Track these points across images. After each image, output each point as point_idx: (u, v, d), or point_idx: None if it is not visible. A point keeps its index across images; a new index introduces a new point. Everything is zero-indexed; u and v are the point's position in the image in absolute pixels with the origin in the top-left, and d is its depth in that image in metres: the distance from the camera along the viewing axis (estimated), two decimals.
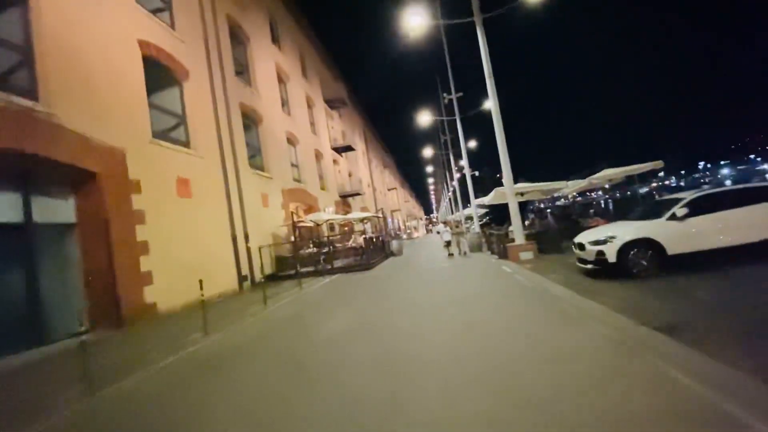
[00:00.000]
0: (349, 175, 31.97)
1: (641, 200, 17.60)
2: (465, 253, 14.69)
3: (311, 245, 17.50)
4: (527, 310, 5.56)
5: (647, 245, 6.44)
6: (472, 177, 23.13)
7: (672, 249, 6.34)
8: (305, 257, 15.32)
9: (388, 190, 59.49)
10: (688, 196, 6.62)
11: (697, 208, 6.36)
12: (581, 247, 7.32)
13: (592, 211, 13.28)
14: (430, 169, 52.84)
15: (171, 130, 11.55)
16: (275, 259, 14.87)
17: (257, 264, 13.67)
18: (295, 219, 15.61)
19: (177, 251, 9.96)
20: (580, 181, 14.52)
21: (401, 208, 68.98)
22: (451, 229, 15.62)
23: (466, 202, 33.82)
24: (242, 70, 16.12)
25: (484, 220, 36.93)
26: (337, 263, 15.90)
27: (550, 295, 6.29)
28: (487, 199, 17.05)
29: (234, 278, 12.28)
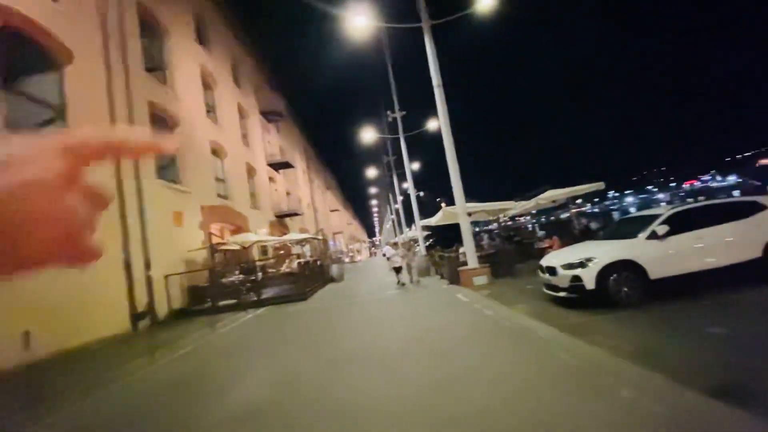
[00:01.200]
0: (287, 194, 29.70)
1: (566, 225, 17.82)
2: (418, 281, 12.11)
3: (237, 272, 15.07)
4: (512, 360, 4.15)
5: (627, 268, 5.49)
6: (416, 198, 22.28)
7: (654, 272, 5.44)
8: (228, 287, 12.90)
9: (331, 211, 57.48)
10: (664, 212, 5.85)
11: (676, 225, 5.57)
12: (551, 271, 6.24)
13: (543, 232, 12.74)
14: (373, 190, 52.02)
15: (44, 124, 8.93)
16: (188, 290, 12.27)
17: (162, 297, 11.06)
18: (216, 241, 13.19)
19: (36, 285, 7.28)
20: (526, 202, 14.07)
21: (344, 231, 67.07)
22: (402, 251, 12.95)
23: (410, 223, 33.11)
24: (156, 67, 13.73)
25: (429, 242, 36.48)
26: (269, 292, 13.66)
27: (530, 334, 5.00)
28: (433, 220, 16.07)
29: (125, 317, 9.60)
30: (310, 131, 46.72)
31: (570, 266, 5.84)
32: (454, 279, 10.88)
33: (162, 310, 11.00)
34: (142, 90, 12.11)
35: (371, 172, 34.21)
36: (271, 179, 25.96)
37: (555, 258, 6.46)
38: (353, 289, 13.32)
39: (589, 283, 5.54)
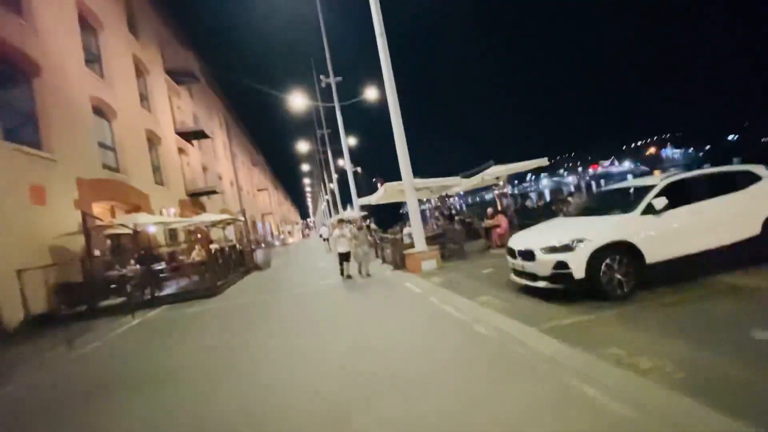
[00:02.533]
0: (204, 169, 26.02)
1: (493, 204, 17.50)
2: (368, 274, 9.20)
3: (133, 262, 12.17)
4: (511, 397, 2.73)
5: (621, 251, 4.45)
6: (353, 175, 20.49)
7: (652, 255, 4.48)
8: (115, 282, 10.13)
9: (258, 191, 53.23)
10: (658, 181, 4.90)
11: (671, 198, 4.63)
12: (526, 255, 5.03)
13: (489, 209, 11.89)
14: (306, 168, 49.00)
15: None
16: (57, 288, 9.31)
17: (13, 300, 8.11)
18: (97, 223, 10.20)
19: None
20: (473, 178, 13.14)
21: (274, 212, 63.06)
22: (351, 233, 9.61)
23: (345, 203, 31.31)
24: None
25: (367, 222, 34.92)
26: (172, 287, 11.12)
27: (515, 345, 3.68)
28: (373, 198, 14.51)
29: None
30: (232, 100, 42.00)
31: (552, 249, 4.67)
32: (399, 264, 9.52)
33: (14, 317, 8.11)
34: None
35: (303, 147, 31.53)
36: (181, 151, 22.26)
37: (528, 239, 5.28)
38: (280, 280, 11.33)
39: (578, 270, 4.42)
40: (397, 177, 13.49)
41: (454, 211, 15.64)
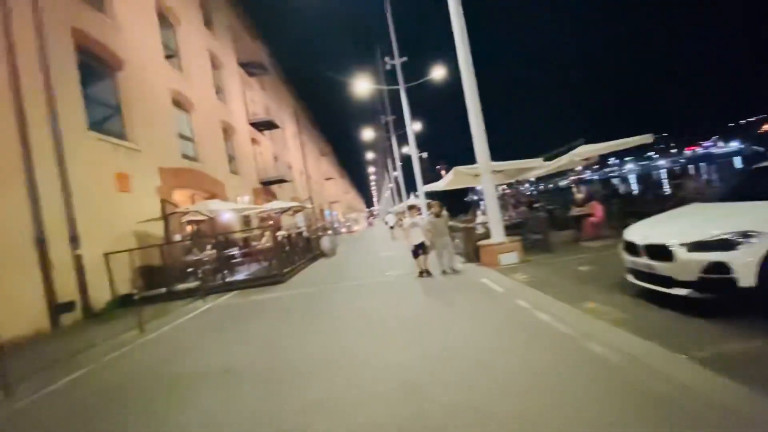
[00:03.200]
0: (275, 158, 26.92)
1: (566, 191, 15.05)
2: (453, 269, 7.76)
3: (209, 247, 12.69)
4: None
5: None
6: (418, 160, 19.53)
7: None
8: (191, 266, 10.52)
9: (326, 179, 54.71)
10: None
11: None
12: (657, 252, 3.78)
13: (579, 195, 10.24)
14: (370, 156, 49.04)
15: None
16: (138, 271, 9.88)
17: (100, 281, 8.67)
18: (174, 210, 10.64)
19: None
20: (559, 159, 11.46)
21: (340, 200, 64.62)
22: (426, 219, 8.64)
23: (410, 190, 30.55)
24: None
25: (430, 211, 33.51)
26: (242, 272, 11.33)
27: (668, 383, 2.57)
28: (441, 184, 13.45)
29: (38, 309, 7.24)
30: (300, 91, 43.16)
31: (701, 246, 3.39)
32: (472, 256, 8.49)
33: (101, 297, 8.66)
34: (64, 12, 9.17)
35: (368, 134, 31.22)
36: (254, 141, 23.12)
37: (658, 231, 4.00)
38: (345, 268, 10.93)
39: (746, 276, 3.12)
40: (460, 164, 12.01)
41: (532, 199, 14.01)
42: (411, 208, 7.40)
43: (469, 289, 6.33)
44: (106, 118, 10.65)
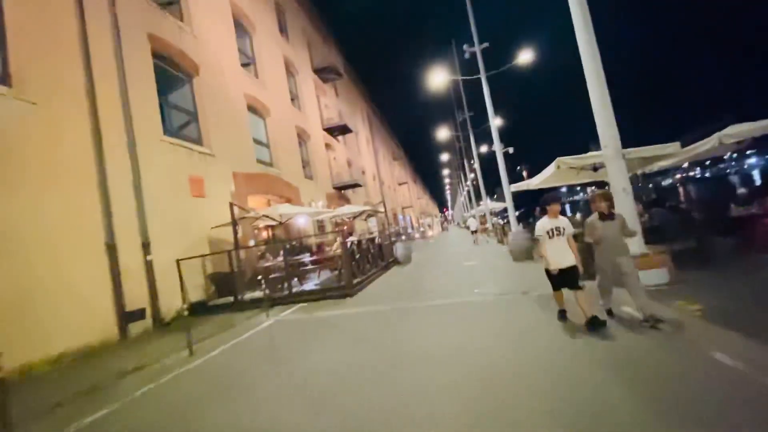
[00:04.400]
0: (348, 164, 26.62)
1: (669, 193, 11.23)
2: (654, 317, 4.02)
3: (282, 253, 12.26)
4: None
5: None
6: (503, 155, 17.29)
7: None
8: (262, 273, 9.98)
9: (399, 184, 54.02)
10: None
11: None
12: None
13: (742, 189, 7.53)
14: (445, 157, 47.11)
15: None
16: (210, 278, 9.57)
17: (172, 289, 8.41)
18: (244, 214, 10.23)
19: None
20: (703, 142, 8.74)
21: (413, 205, 63.50)
22: (590, 222, 4.69)
23: (491, 191, 28.02)
24: None
25: (504, 217, 30.27)
26: (312, 281, 10.54)
27: None
28: (535, 180, 11.31)
29: (107, 319, 7.00)
30: (375, 95, 43.06)
31: None
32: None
33: (173, 305, 8.37)
34: (140, 17, 9.26)
35: (442, 134, 29.52)
36: (328, 146, 22.94)
37: None
38: (421, 281, 9.48)
39: None
40: (541, 166, 9.91)
41: (655, 197, 11.12)
42: (550, 203, 4.40)
43: (610, 322, 4.13)
44: (182, 124, 10.70)
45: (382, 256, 12.67)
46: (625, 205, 5.82)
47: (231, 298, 8.88)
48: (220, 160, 11.29)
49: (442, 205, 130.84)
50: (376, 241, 12.56)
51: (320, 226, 18.18)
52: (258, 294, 8.79)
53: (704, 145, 9.00)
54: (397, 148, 60.76)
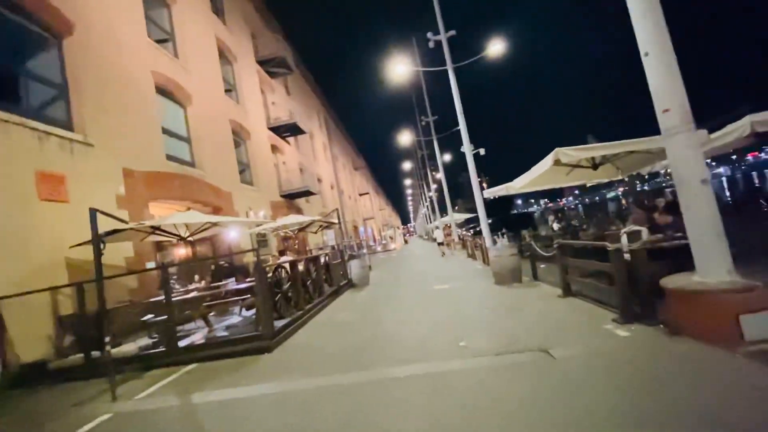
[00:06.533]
0: (301, 170, 23.73)
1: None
2: None
3: (199, 278, 9.26)
4: None
5: None
6: (472, 157, 15.21)
7: None
8: (152, 310, 6.90)
9: (360, 195, 51.49)
10: None
11: None
12: None
13: None
14: (408, 166, 45.30)
15: None
16: (63, 323, 6.37)
17: None
18: (122, 227, 7.11)
19: None
20: (724, 132, 6.95)
21: (375, 216, 61.18)
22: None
23: (453, 202, 26.19)
24: None
25: (471, 228, 28.39)
26: (229, 321, 7.61)
27: None
28: (519, 182, 9.13)
29: None
30: (333, 100, 40.61)
31: None
32: (641, 307, 4.18)
33: None
34: None
35: (405, 140, 27.45)
36: (276, 149, 20.02)
37: None
38: (379, 317, 6.78)
39: None
40: (502, 180, 9.33)
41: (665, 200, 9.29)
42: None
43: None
44: (56, 99, 7.55)
45: (331, 280, 9.93)
46: (704, 205, 3.59)
47: (91, 355, 5.77)
48: (104, 153, 8.17)
49: (404, 215, 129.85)
50: (322, 260, 9.79)
51: (261, 241, 15.13)
52: (129, 348, 5.77)
53: (724, 137, 7.23)
54: (358, 157, 58.43)
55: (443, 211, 32.87)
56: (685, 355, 3.20)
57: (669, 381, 2.84)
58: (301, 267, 7.96)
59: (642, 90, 4.09)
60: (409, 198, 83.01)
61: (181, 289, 8.22)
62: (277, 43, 20.89)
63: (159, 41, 11.68)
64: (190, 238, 8.86)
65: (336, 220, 14.06)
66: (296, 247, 17.26)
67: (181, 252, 11.00)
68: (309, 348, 5.28)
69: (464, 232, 24.71)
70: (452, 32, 14.41)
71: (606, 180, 9.98)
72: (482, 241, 13.52)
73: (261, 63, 20.02)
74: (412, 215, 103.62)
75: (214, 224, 8.29)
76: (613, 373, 3.13)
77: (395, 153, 36.68)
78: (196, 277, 9.56)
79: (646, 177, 12.59)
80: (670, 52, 3.72)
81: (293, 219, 11.90)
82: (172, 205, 10.94)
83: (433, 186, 40.00)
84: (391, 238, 47.71)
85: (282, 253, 8.74)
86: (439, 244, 21.14)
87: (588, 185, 11.58)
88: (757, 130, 6.86)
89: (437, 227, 24.15)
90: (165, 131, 10.89)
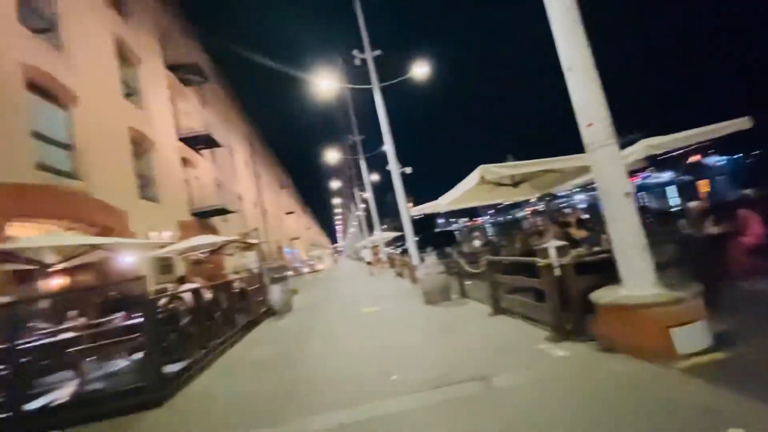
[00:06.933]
0: (218, 186, 21.79)
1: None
2: None
3: (80, 314, 7.47)
4: None
5: None
6: (399, 176, 15.21)
7: None
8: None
9: (286, 214, 49.36)
10: None
11: None
12: None
13: (746, 201, 6.25)
14: (336, 185, 44.71)
15: None
16: None
17: None
18: None
19: None
20: (630, 150, 7.62)
21: (302, 236, 59.13)
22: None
23: (386, 218, 26.22)
24: None
25: (398, 246, 28.45)
26: (108, 369, 6.15)
27: None
28: (444, 200, 9.12)
29: None
30: (257, 116, 38.78)
31: None
32: (573, 323, 4.07)
33: None
34: None
35: (332, 158, 26.98)
36: (186, 162, 18.08)
37: None
38: (301, 352, 5.92)
39: None
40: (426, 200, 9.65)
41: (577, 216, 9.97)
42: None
43: None
44: None
45: (248, 308, 8.79)
46: (628, 217, 3.60)
47: None
48: None
49: (332, 236, 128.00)
50: (236, 286, 8.63)
51: (164, 266, 13.21)
52: None
53: (629, 157, 7.91)
54: (284, 175, 56.35)
55: (372, 230, 32.73)
56: (626, 374, 3.05)
57: (616, 404, 2.62)
58: (209, 295, 6.81)
59: (565, 107, 4.11)
60: (338, 218, 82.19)
61: (47, 330, 6.51)
62: (191, 51, 19.24)
63: (37, 30, 9.80)
64: (62, 266, 7.16)
65: (255, 240, 12.85)
66: (208, 272, 15.44)
67: (56, 282, 8.97)
68: (210, 398, 4.29)
69: (392, 251, 24.65)
70: (378, 51, 14.49)
71: (523, 198, 10.50)
72: (409, 260, 13.38)
73: (172, 68, 18.18)
74: (340, 235, 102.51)
75: (96, 247, 6.78)
76: (559, 401, 2.84)
77: (323, 172, 35.96)
78: (73, 313, 7.76)
79: (557, 196, 13.56)
80: (592, 67, 3.77)
81: (203, 240, 10.49)
82: (45, 224, 8.94)
83: (362, 206, 39.88)
84: (318, 258, 46.16)
85: (183, 280, 7.44)
86: (368, 263, 20.81)
87: (504, 204, 12.22)
88: (651, 153, 7.62)
89: (365, 247, 23.83)
90: (38, 136, 8.97)
